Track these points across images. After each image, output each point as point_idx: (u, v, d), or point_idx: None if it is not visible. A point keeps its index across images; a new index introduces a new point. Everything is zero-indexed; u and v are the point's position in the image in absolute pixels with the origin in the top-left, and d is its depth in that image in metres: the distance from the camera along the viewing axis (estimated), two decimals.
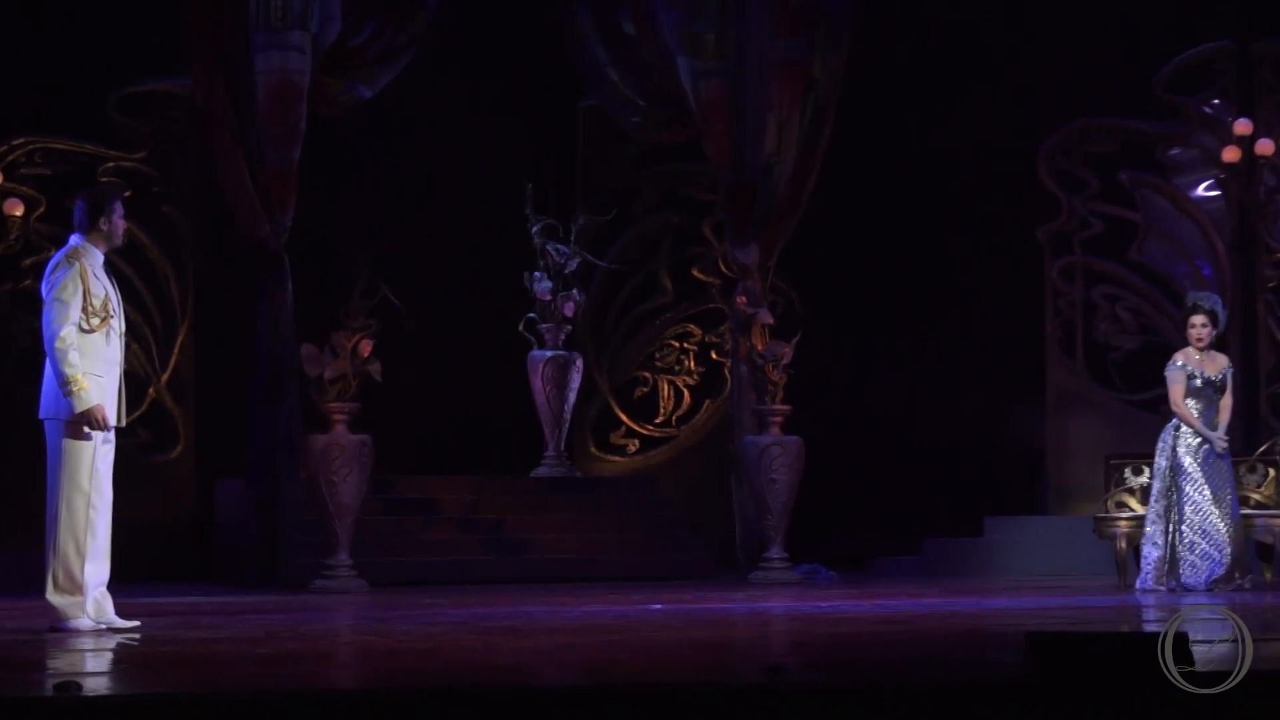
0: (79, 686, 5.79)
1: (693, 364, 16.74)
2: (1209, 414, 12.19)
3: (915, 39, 15.82)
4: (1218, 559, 11.85)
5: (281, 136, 13.46)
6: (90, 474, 9.03)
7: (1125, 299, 15.53)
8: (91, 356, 9.05)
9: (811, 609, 10.77)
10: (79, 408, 8.95)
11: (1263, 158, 14.59)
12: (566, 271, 15.40)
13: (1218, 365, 12.34)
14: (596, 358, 16.48)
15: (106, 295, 9.19)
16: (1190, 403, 12.22)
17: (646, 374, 16.77)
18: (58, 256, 9.21)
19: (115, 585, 9.33)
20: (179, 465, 15.00)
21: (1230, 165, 14.69)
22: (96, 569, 9.13)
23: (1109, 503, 12.98)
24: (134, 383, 14.96)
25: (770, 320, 14.66)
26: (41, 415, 9.20)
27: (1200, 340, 12.31)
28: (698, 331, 16.73)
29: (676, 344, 16.77)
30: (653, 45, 14.79)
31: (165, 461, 14.95)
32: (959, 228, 15.88)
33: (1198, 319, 12.36)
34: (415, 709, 5.45)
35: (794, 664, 6.68)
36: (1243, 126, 14.61)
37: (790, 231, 14.99)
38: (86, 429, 9.00)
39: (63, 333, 8.97)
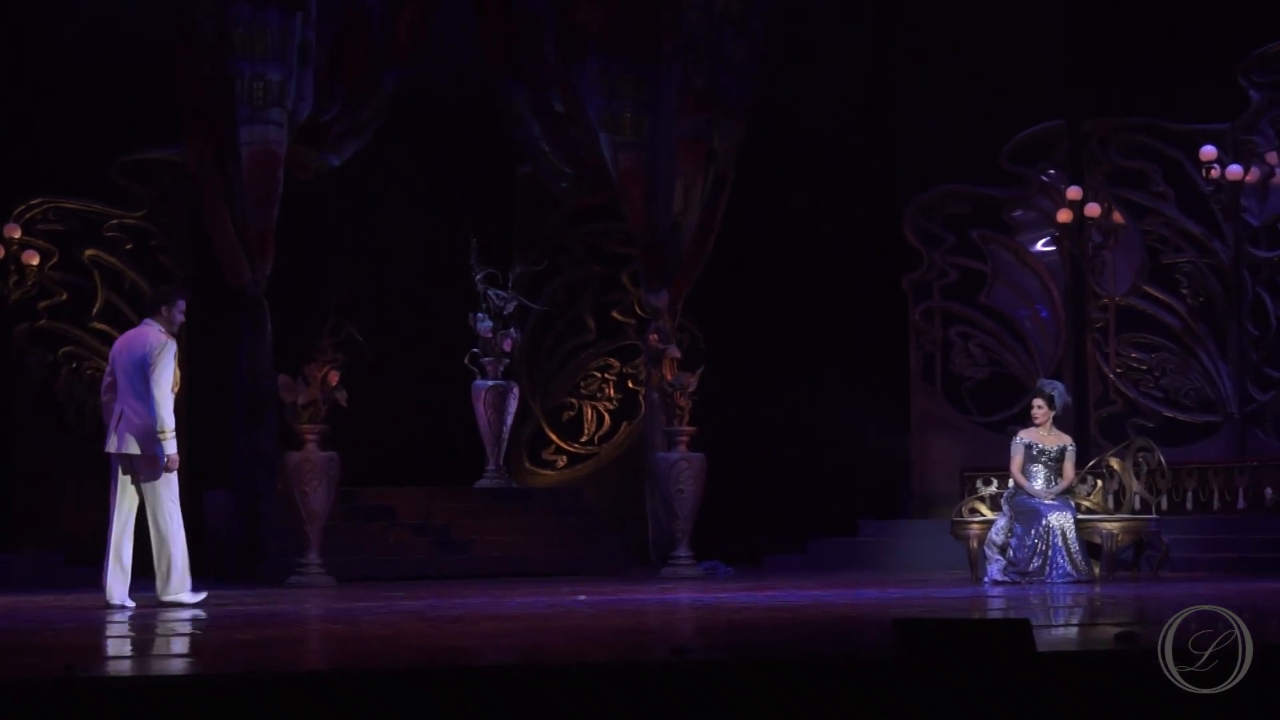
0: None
1: (612, 391, 16.73)
2: (1053, 479, 12.40)
3: (801, 118, 15.89)
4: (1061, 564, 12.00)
5: (262, 198, 13.39)
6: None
7: (976, 337, 15.61)
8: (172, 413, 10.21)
9: (713, 599, 10.76)
10: (164, 452, 10.13)
11: (1091, 219, 14.71)
12: (505, 313, 15.37)
13: (1058, 440, 12.51)
14: (530, 386, 16.45)
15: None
16: (1034, 468, 12.42)
17: (573, 400, 16.75)
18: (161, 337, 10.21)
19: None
20: None
21: (1064, 225, 14.80)
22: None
23: (963, 508, 13.03)
24: None
25: (678, 354, 14.67)
26: (126, 450, 10.14)
27: (1038, 420, 12.50)
28: (616, 364, 16.72)
29: (599, 374, 16.76)
30: (579, 122, 14.80)
31: None
32: (837, 276, 15.94)
33: (1037, 402, 12.56)
34: (377, 686, 5.42)
35: (698, 645, 6.67)
36: (1074, 193, 14.73)
37: (695, 279, 15.01)
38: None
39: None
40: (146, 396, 10.05)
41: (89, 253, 14.83)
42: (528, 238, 16.48)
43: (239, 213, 13.40)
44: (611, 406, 16.70)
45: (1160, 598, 10.24)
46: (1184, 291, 14.76)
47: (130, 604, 10.12)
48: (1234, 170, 14.18)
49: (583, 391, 16.73)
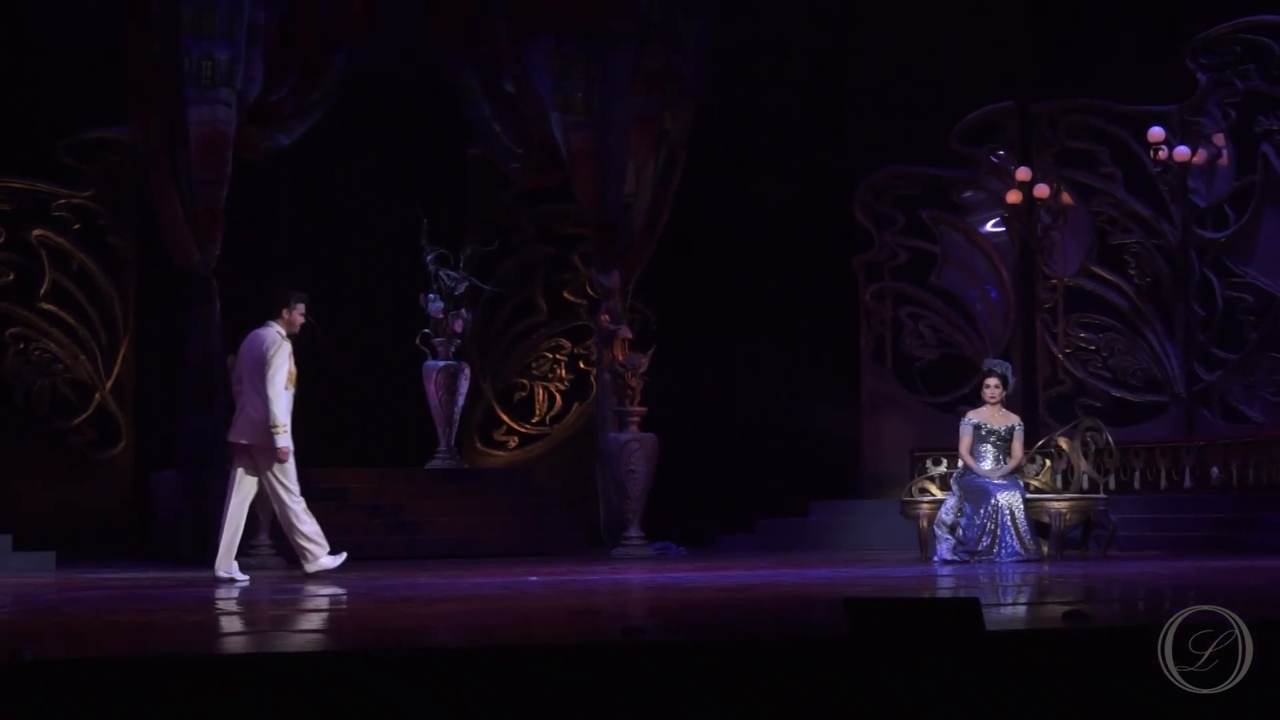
0: None
1: (564, 372, 16.73)
2: (1002, 459, 12.47)
3: (753, 99, 15.90)
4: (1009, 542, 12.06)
5: (211, 178, 13.32)
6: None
7: (927, 317, 15.67)
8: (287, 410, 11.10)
9: (665, 579, 10.78)
10: (277, 444, 11.08)
11: (1040, 200, 14.78)
12: (456, 293, 15.34)
13: (1006, 419, 12.58)
14: (482, 367, 16.43)
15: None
16: (983, 448, 12.48)
17: (524, 380, 16.74)
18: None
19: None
20: (121, 459, 14.80)
21: (1013, 206, 14.86)
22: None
23: (913, 488, 13.09)
24: (82, 389, 14.80)
25: (629, 335, 14.67)
26: (244, 440, 11.07)
27: (993, 398, 12.56)
28: (568, 345, 16.72)
29: (550, 355, 16.75)
30: (530, 103, 14.77)
31: (109, 456, 14.75)
32: (787, 257, 15.97)
33: (991, 381, 12.61)
34: (329, 666, 5.41)
35: (650, 625, 6.68)
36: (1023, 174, 14.79)
37: (646, 260, 15.01)
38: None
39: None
40: (264, 392, 10.98)
41: (36, 233, 14.72)
42: (479, 218, 16.44)
43: (188, 192, 13.33)
44: (563, 387, 16.69)
45: (1108, 576, 10.33)
46: (1132, 272, 14.85)
47: (241, 576, 10.95)
48: (1181, 151, 14.27)
49: (534, 372, 16.72)
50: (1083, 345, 15.06)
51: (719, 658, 5.58)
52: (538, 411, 16.68)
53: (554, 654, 5.61)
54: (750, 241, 16.03)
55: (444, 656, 5.65)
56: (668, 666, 5.53)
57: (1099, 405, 14.74)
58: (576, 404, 16.58)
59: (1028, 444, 12.81)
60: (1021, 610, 8.15)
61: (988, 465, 12.47)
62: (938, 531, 12.39)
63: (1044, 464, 12.91)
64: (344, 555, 11.36)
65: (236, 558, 11.18)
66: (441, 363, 15.35)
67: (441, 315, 15.30)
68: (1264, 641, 4.82)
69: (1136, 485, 14.15)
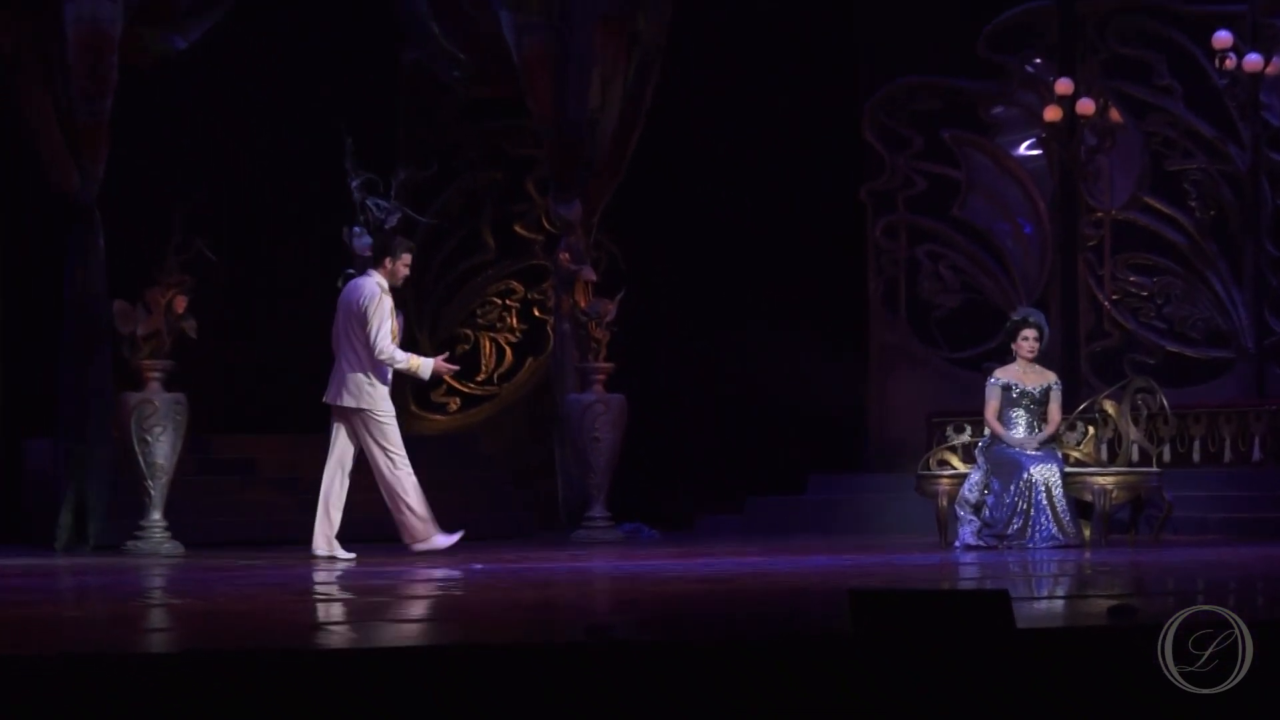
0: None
1: (515, 321, 16.74)
2: (1036, 425, 12.47)
3: None
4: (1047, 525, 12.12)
5: (92, 88, 13.25)
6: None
7: (948, 257, 15.71)
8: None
9: (635, 568, 10.80)
10: (427, 374, 12.08)
11: (1083, 117, 14.80)
12: (387, 227, 15.31)
13: (1041, 378, 12.57)
14: (418, 314, 16.42)
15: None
16: (1014, 414, 12.48)
17: (468, 331, 16.75)
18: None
19: None
20: None
21: (1052, 124, 14.89)
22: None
23: (931, 460, 13.14)
24: None
25: (593, 277, 14.67)
26: (340, 402, 11.72)
27: (1027, 353, 12.56)
28: (520, 288, 16.72)
29: (499, 301, 16.75)
30: None
31: None
32: (782, 186, 15.97)
33: (1030, 333, 12.59)
34: (233, 671, 5.41)
35: (618, 624, 6.70)
36: (1064, 86, 14.80)
37: (614, 187, 15.00)
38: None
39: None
40: (361, 349, 11.70)
41: None
42: (414, 137, 16.42)
43: (65, 105, 13.27)
44: (514, 339, 16.71)
45: (1162, 566, 10.38)
46: (1192, 204, 14.90)
47: (343, 554, 11.52)
48: (1252, 60, 14.29)
49: (479, 321, 16.73)
50: (1133, 291, 15.12)
51: (699, 661, 5.60)
52: (484, 368, 16.70)
53: (502, 658, 5.63)
54: (738, 167, 16.03)
55: (371, 659, 5.66)
56: (639, 672, 5.55)
57: (1152, 362, 14.81)
58: (530, 359, 16.59)
59: (1067, 408, 12.85)
60: (1059, 605, 8.19)
61: (1019, 433, 12.52)
62: (959, 512, 12.45)
63: (1086, 432, 12.97)
64: (460, 533, 11.91)
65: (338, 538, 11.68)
66: None
67: (369, 253, 15.28)
68: (1264, 641, 5.36)
69: (1196, 457, 14.22)
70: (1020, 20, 15.34)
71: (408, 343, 16.01)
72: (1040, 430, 12.52)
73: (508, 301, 16.74)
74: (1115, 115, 14.98)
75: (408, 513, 11.77)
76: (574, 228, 14.88)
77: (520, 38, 14.65)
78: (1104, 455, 12.97)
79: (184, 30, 14.07)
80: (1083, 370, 14.98)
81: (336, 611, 8.00)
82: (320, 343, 15.63)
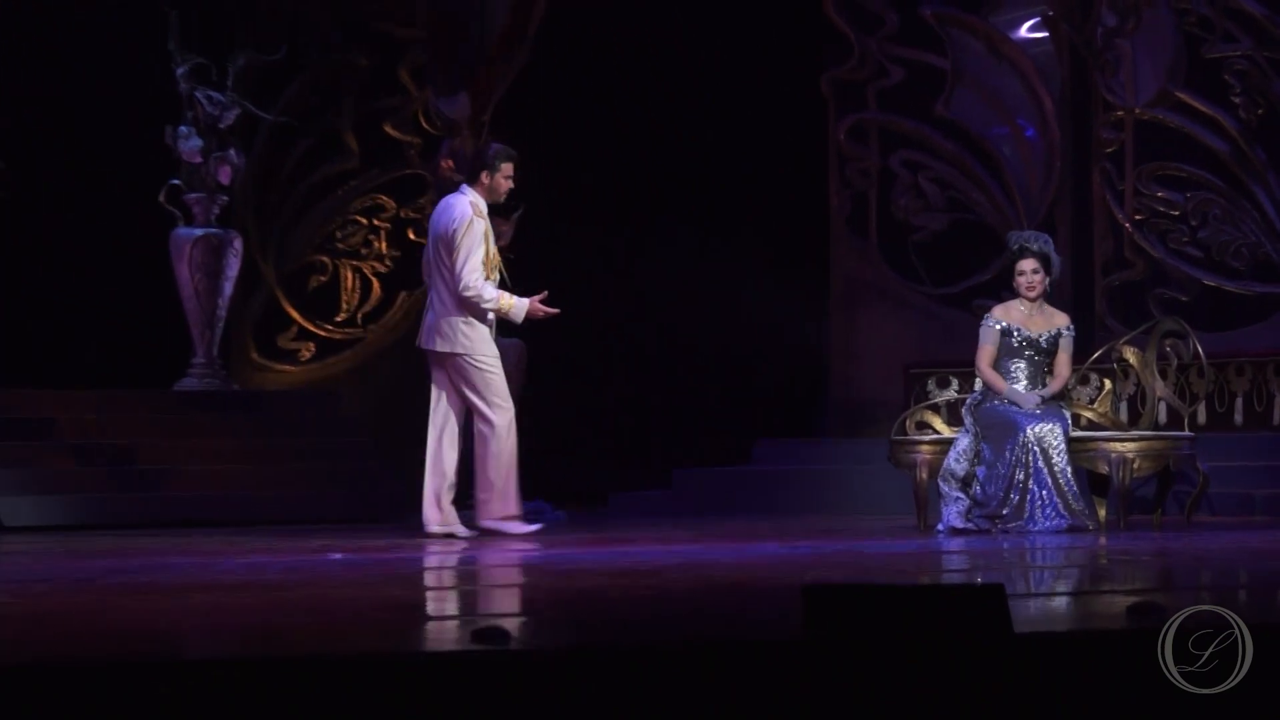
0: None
1: (384, 246, 16.71)
2: (1040, 381, 12.43)
3: None
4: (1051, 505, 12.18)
5: None
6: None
7: (930, 167, 15.73)
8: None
9: (536, 557, 10.84)
10: (520, 316, 12.27)
11: None
12: (221, 126, 15.27)
13: (1049, 323, 12.52)
14: (260, 238, 16.38)
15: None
16: (1014, 364, 12.46)
17: (325, 259, 16.71)
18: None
19: None
20: None
21: (1060, 0, 14.94)
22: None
23: (908, 423, 13.19)
24: None
25: None
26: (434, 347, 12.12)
27: (1032, 289, 12.49)
28: (391, 205, 16.69)
29: (364, 220, 16.71)
30: None
31: None
32: (722, 76, 15.97)
33: (1027, 264, 12.52)
34: (19, 689, 5.41)
35: (512, 626, 6.72)
36: None
37: (511, 76, 15.00)
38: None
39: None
40: (452, 281, 11.99)
41: None
42: (256, 12, 16.33)
43: None
44: (382, 269, 16.69)
45: (1195, 553, 10.46)
46: (1236, 100, 14.98)
47: (463, 531, 12.09)
48: None
49: (339, 246, 16.70)
50: (1161, 210, 15.20)
51: (613, 673, 5.63)
52: (345, 306, 16.67)
53: (365, 669, 5.64)
54: (667, 53, 16.02)
55: (200, 672, 5.66)
56: (538, 687, 5.57)
57: (1184, 299, 14.90)
58: (403, 294, 16.57)
59: (1079, 357, 12.91)
60: (1064, 603, 8.26)
61: (1021, 387, 12.57)
62: (943, 487, 12.50)
63: (1102, 386, 13.04)
64: (539, 525, 12.47)
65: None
66: (199, 231, 15.33)
67: (199, 159, 15.23)
68: (1264, 641, 5.79)
69: (1238, 419, 14.33)
70: None
71: (249, 278, 16.04)
72: (1045, 385, 12.54)
73: (375, 221, 16.71)
74: None
75: (490, 482, 12.17)
76: (459, 129, 14.86)
77: None
78: (1123, 416, 13.05)
79: None
80: (1098, 309, 15.05)
81: (155, 612, 7.99)
82: (134, 273, 15.64)
